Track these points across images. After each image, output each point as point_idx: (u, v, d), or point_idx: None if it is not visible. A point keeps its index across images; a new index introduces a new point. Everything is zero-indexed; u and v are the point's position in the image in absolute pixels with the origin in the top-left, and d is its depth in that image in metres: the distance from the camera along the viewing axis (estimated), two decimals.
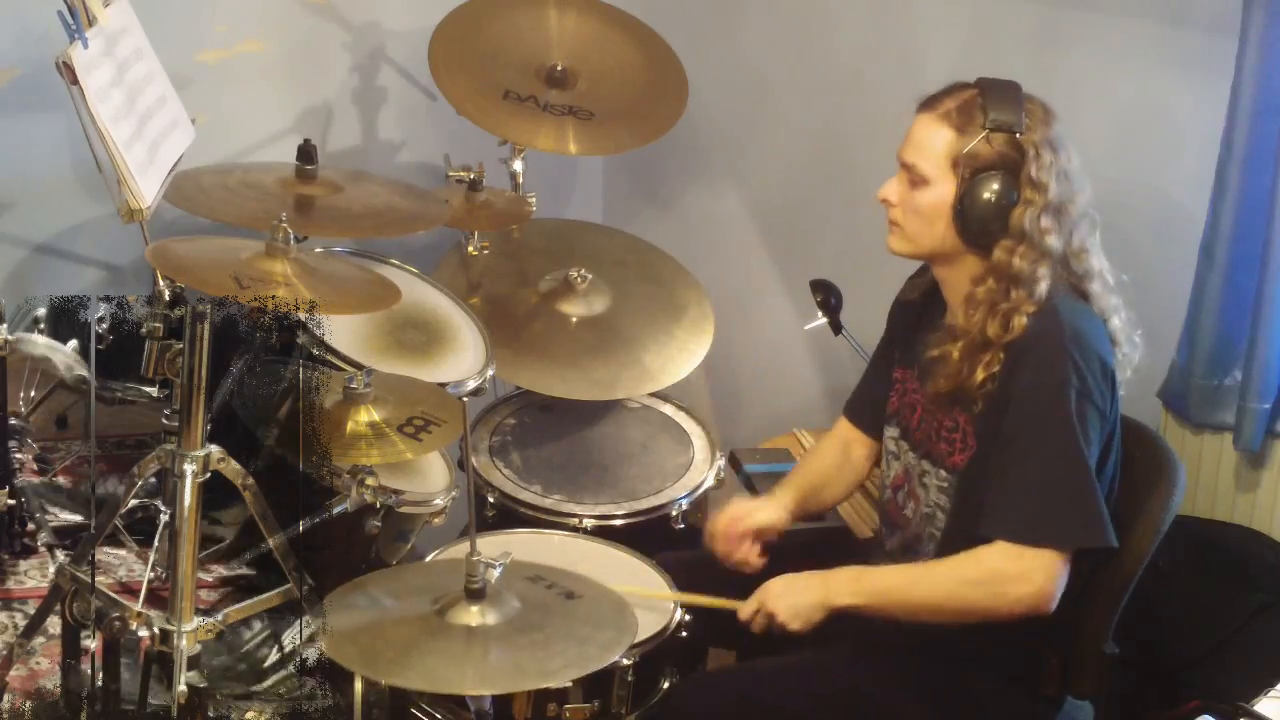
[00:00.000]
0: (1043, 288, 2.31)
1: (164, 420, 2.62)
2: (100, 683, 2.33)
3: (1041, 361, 2.29)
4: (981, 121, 2.33)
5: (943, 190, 2.36)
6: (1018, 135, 2.32)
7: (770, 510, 2.63)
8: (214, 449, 2.29)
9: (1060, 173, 2.33)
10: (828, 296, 3.22)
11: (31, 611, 2.56)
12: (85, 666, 2.36)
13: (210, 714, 2.29)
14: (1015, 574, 2.26)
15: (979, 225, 2.34)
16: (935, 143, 2.35)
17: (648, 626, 2.45)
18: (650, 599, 2.54)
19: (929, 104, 2.39)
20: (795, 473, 2.75)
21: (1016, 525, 2.27)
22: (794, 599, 2.38)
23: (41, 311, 2.74)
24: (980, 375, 2.33)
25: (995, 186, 2.32)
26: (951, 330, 2.40)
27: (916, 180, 2.37)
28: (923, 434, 2.48)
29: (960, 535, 2.39)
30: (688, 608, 2.54)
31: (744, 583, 2.54)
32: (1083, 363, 2.28)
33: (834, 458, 2.73)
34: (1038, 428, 2.28)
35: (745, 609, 2.43)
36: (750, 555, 2.59)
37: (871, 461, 2.71)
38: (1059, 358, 2.28)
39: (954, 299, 2.43)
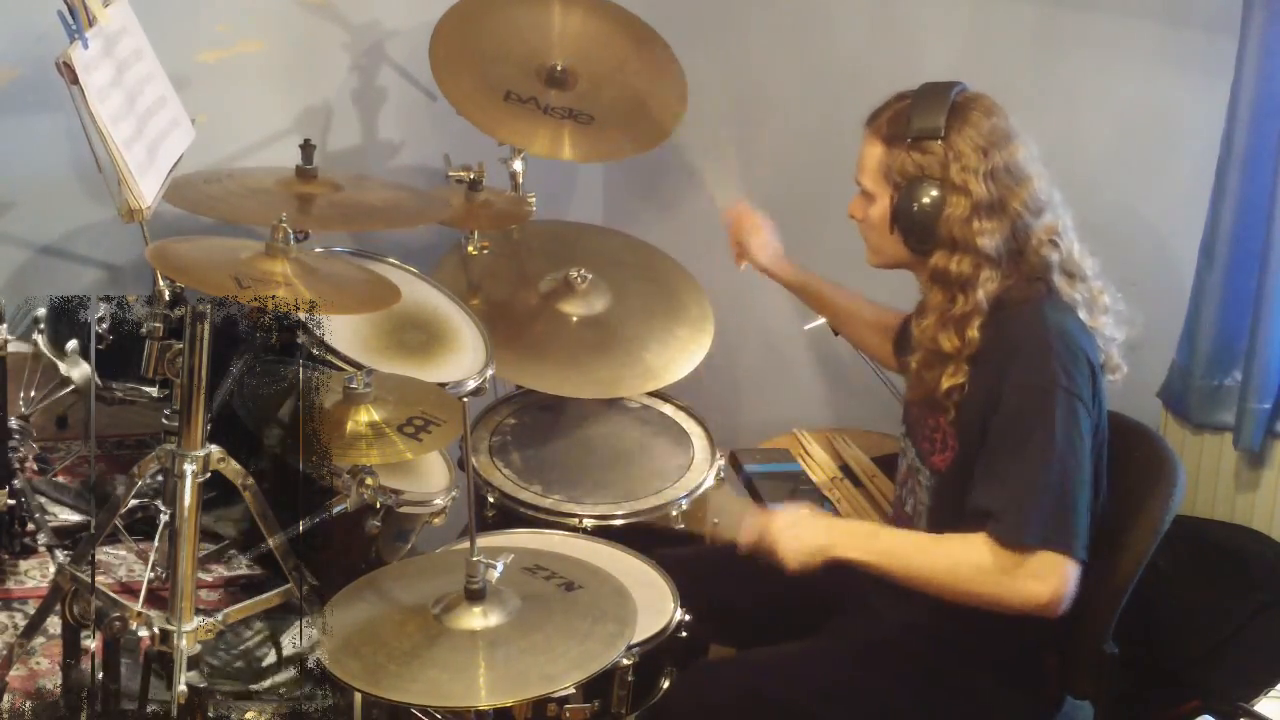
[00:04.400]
0: (983, 293, 2.32)
1: (164, 420, 2.62)
2: (100, 683, 2.33)
3: (1030, 364, 2.29)
4: (905, 132, 2.36)
5: (883, 204, 2.41)
6: (940, 141, 2.34)
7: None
8: (214, 449, 2.29)
9: (990, 171, 2.34)
10: None
11: (31, 611, 2.56)
12: (85, 666, 2.36)
13: (210, 714, 2.29)
14: (1024, 571, 2.25)
15: (916, 235, 2.37)
16: (871, 158, 2.42)
17: (648, 626, 2.45)
18: None
19: (870, 119, 2.45)
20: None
21: (1009, 523, 2.26)
22: (798, 536, 2.38)
23: (41, 311, 2.73)
24: (944, 385, 2.34)
25: (922, 195, 2.35)
26: (911, 342, 2.43)
27: (866, 196, 2.44)
28: (915, 431, 2.49)
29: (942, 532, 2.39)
30: (698, 594, 2.54)
31: (747, 581, 2.54)
32: (1069, 361, 2.28)
33: (870, 307, 2.88)
34: (1028, 430, 2.27)
35: (750, 527, 2.43)
36: (747, 244, 2.99)
37: (883, 338, 2.82)
38: (1046, 359, 2.28)
39: (916, 307, 2.47)
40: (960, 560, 2.29)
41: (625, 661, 2.40)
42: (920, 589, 2.33)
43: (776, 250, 3.00)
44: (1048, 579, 2.25)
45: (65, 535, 2.80)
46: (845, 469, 3.19)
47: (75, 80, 2.34)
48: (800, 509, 2.44)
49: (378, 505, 2.54)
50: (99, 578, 2.35)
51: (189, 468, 2.27)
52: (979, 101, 2.39)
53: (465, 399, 2.75)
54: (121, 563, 2.80)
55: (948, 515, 2.38)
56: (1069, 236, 2.39)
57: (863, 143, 2.45)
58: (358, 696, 2.25)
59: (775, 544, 2.38)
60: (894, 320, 2.77)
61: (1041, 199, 2.37)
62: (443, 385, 2.77)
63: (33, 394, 2.76)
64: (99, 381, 2.71)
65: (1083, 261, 2.39)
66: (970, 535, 2.29)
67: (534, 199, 3.23)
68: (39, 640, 2.56)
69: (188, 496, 2.26)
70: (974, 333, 2.32)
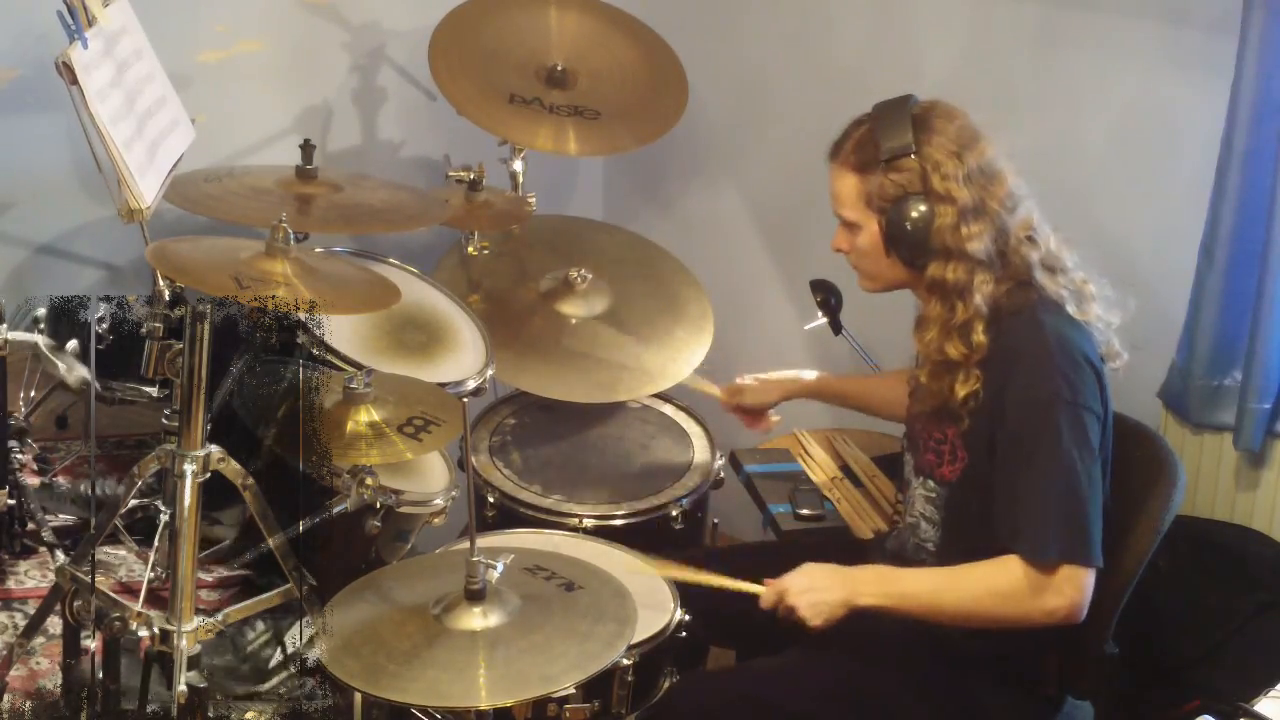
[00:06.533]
0: (980, 297, 2.32)
1: (164, 420, 2.62)
2: (100, 683, 2.33)
3: (1031, 375, 2.29)
4: (876, 155, 2.36)
5: (871, 230, 2.40)
6: (913, 155, 2.34)
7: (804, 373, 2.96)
8: (214, 449, 2.29)
9: (969, 174, 2.34)
10: (828, 296, 3.21)
11: (31, 611, 2.56)
12: (85, 666, 2.36)
13: (210, 714, 2.29)
14: (1046, 588, 2.26)
15: (911, 252, 2.37)
16: (847, 190, 2.41)
17: (648, 626, 2.45)
18: (671, 576, 2.54)
19: (834, 152, 2.44)
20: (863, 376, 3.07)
21: (1027, 542, 2.27)
22: (817, 595, 2.37)
23: (41, 311, 2.74)
24: (960, 392, 2.34)
25: (911, 212, 2.35)
26: (918, 355, 2.42)
27: (850, 227, 2.43)
28: (917, 444, 2.49)
29: (955, 548, 2.39)
30: (697, 595, 2.53)
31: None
32: (1071, 371, 2.28)
33: (886, 381, 2.90)
34: (1036, 443, 2.27)
35: (767, 598, 2.42)
36: (767, 408, 2.97)
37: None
38: (1048, 370, 2.28)
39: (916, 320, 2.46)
40: (982, 589, 2.30)
41: (625, 661, 2.40)
42: (946, 624, 2.33)
43: (776, 385, 2.98)
44: (1065, 591, 2.25)
45: (65, 535, 2.80)
46: (845, 469, 3.19)
47: (75, 80, 2.34)
48: (814, 569, 2.42)
49: (378, 505, 2.54)
50: (99, 578, 2.35)
51: (189, 468, 2.27)
52: (937, 108, 2.39)
53: (465, 399, 2.75)
54: (121, 563, 2.80)
55: (961, 527, 2.38)
56: (1044, 229, 2.39)
57: (832, 177, 2.44)
58: (358, 696, 2.25)
59: (795, 608, 2.38)
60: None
61: (1016, 194, 2.38)
62: (443, 385, 2.77)
63: (33, 394, 2.76)
64: (98, 386, 2.71)
65: (1061, 253, 2.39)
66: (990, 562, 2.29)
67: (534, 199, 3.23)
68: (39, 640, 2.56)
69: (188, 496, 2.26)
70: (980, 337, 2.32)
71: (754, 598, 2.44)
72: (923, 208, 2.34)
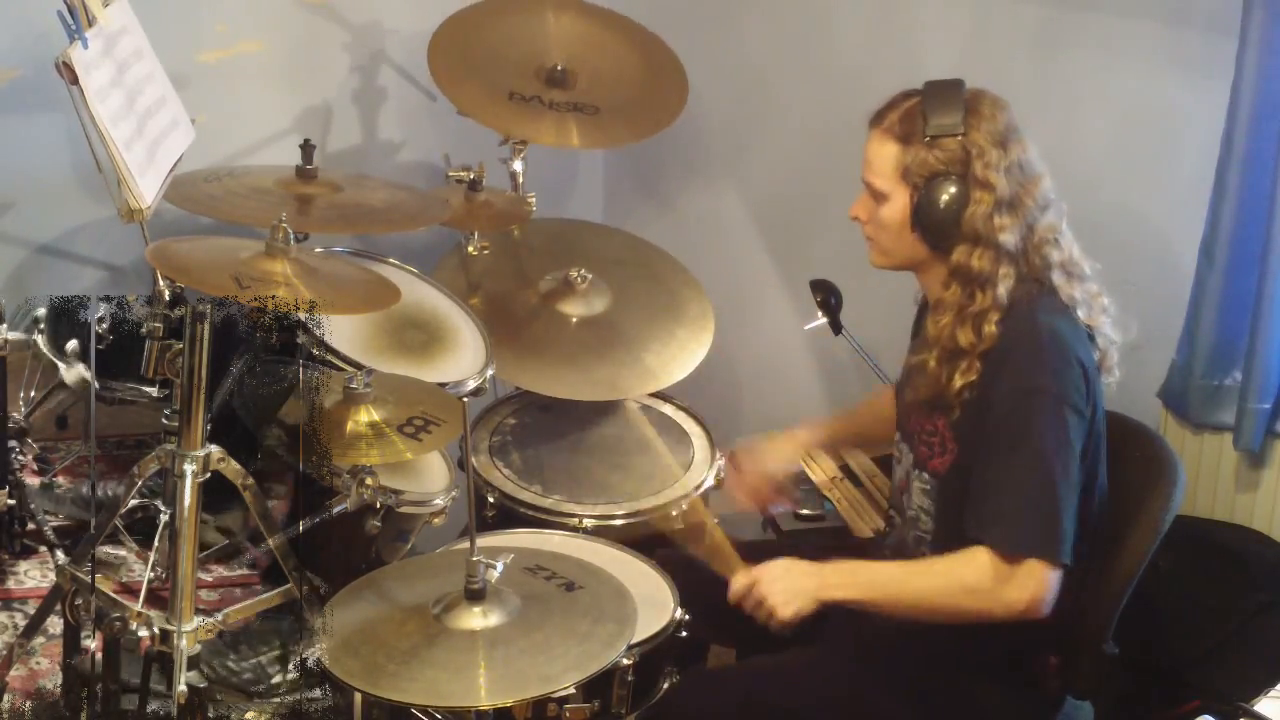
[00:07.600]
0: (1003, 289, 2.32)
1: (164, 420, 2.62)
2: (100, 683, 2.33)
3: (1020, 368, 2.29)
4: (923, 129, 2.35)
5: (900, 203, 2.38)
6: (960, 137, 2.33)
7: (804, 434, 2.80)
8: (214, 449, 2.29)
9: (1010, 166, 2.34)
10: (828, 296, 3.22)
11: (31, 611, 2.56)
12: (85, 666, 2.36)
13: (210, 714, 2.29)
14: (1008, 581, 2.25)
15: (937, 231, 2.36)
16: (884, 158, 2.39)
17: (648, 626, 2.45)
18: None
19: (876, 119, 2.42)
20: (845, 411, 2.91)
21: (996, 534, 2.27)
22: (788, 584, 2.37)
23: (41, 311, 2.74)
24: (958, 382, 2.34)
25: (945, 192, 2.34)
26: (927, 338, 2.41)
27: (877, 196, 2.41)
28: (912, 437, 2.49)
29: (949, 539, 2.39)
30: (698, 594, 2.53)
31: None
32: (1060, 365, 2.28)
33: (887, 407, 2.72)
34: (1016, 436, 2.28)
35: (738, 584, 2.42)
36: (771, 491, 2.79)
37: None
38: (1037, 364, 2.28)
39: (932, 304, 2.45)
40: (949, 580, 2.30)
41: (625, 661, 2.40)
42: (912, 617, 2.33)
43: (786, 449, 2.84)
44: (1026, 585, 2.25)
45: (65, 535, 2.80)
46: (845, 469, 3.19)
47: (75, 80, 2.34)
48: (787, 561, 2.41)
49: (378, 505, 2.54)
50: (99, 578, 2.35)
51: (189, 468, 2.27)
52: (987, 96, 2.39)
53: (465, 399, 2.75)
54: (121, 563, 2.80)
55: (953, 518, 2.38)
56: (1069, 234, 2.40)
57: (870, 142, 2.42)
58: (358, 696, 2.25)
59: (765, 597, 2.37)
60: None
61: (1050, 196, 2.38)
62: (443, 385, 2.77)
63: (33, 394, 2.76)
64: (98, 385, 2.71)
65: (1082, 263, 2.40)
66: (958, 554, 2.29)
67: (534, 199, 3.23)
68: (39, 640, 2.56)
69: (188, 496, 2.26)
70: (992, 328, 2.32)
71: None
72: (957, 190, 2.34)
